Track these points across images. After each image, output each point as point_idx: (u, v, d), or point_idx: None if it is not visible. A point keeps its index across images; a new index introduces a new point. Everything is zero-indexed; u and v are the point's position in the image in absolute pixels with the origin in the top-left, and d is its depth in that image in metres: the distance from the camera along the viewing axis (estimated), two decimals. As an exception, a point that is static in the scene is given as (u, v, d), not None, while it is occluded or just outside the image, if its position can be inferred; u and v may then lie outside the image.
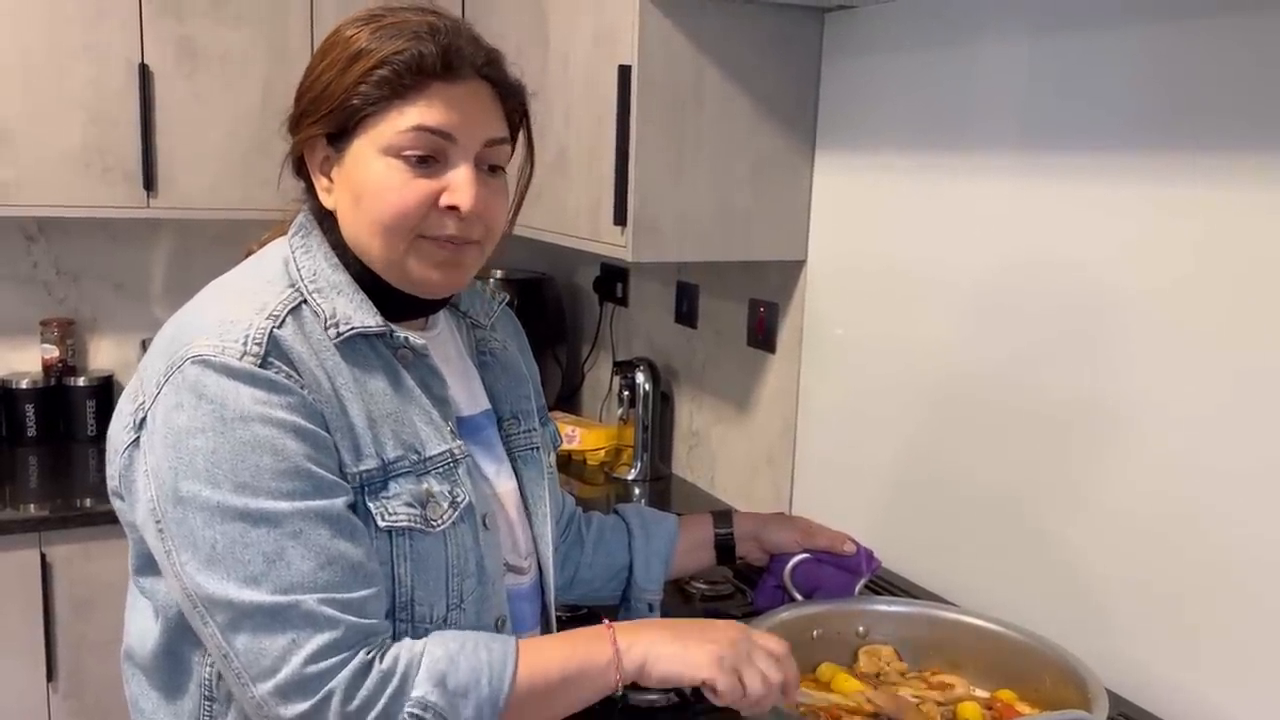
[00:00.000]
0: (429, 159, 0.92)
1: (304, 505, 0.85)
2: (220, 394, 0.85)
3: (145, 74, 2.22)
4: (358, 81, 0.92)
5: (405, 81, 0.91)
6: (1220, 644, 1.23)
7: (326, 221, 0.99)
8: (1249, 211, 1.18)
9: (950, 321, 1.59)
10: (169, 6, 2.23)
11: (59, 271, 2.55)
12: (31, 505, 2.12)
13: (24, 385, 2.45)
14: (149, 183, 2.26)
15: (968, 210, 1.54)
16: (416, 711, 0.85)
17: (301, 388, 0.88)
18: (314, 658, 0.83)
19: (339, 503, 0.88)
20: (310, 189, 1.00)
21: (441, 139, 0.92)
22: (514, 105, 0.99)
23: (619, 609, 1.32)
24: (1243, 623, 1.21)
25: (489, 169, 0.97)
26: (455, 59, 0.92)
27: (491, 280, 2.71)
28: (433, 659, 0.87)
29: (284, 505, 0.85)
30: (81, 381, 2.50)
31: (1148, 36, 1.27)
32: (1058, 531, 1.43)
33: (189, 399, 0.86)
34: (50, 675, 2.08)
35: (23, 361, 2.53)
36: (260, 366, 0.87)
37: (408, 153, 0.92)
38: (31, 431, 2.46)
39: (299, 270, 0.96)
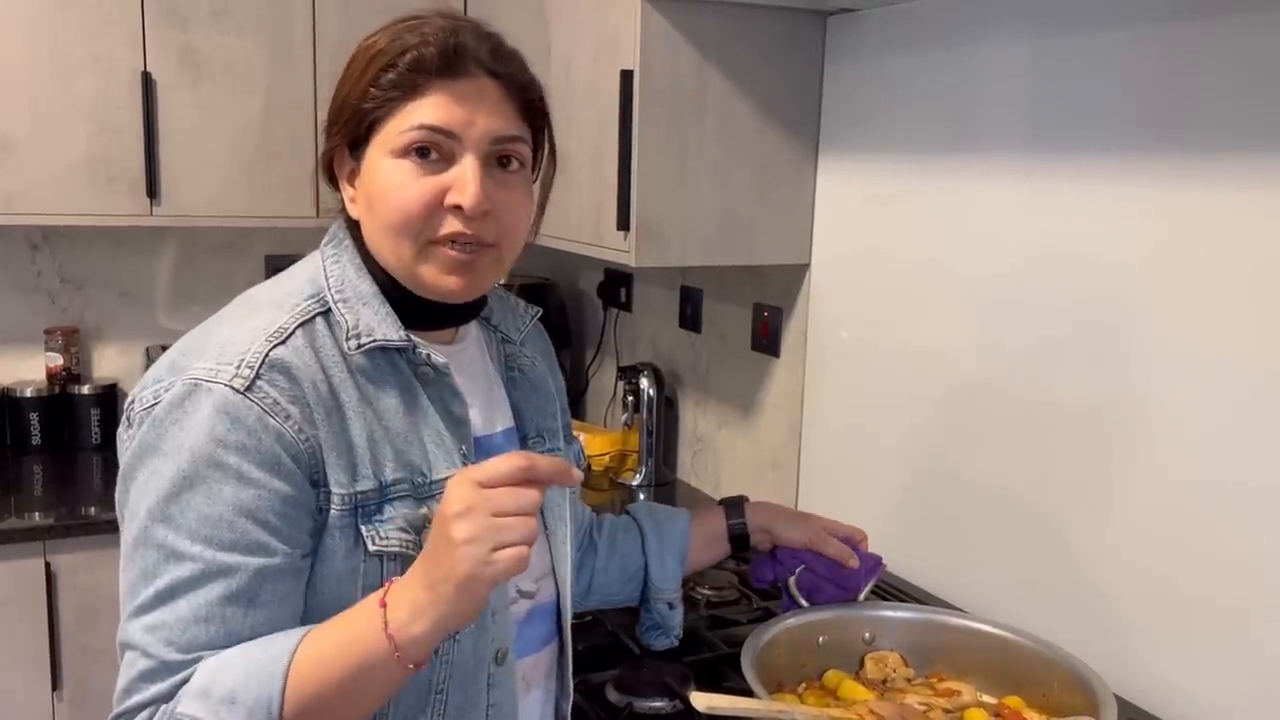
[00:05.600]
0: (434, 158, 0.91)
1: (211, 555, 0.84)
2: (188, 422, 0.85)
3: (149, 83, 2.23)
4: (368, 85, 0.92)
5: (409, 81, 0.91)
6: (1231, 650, 1.22)
7: (357, 231, 0.98)
8: (1256, 213, 1.17)
9: (955, 325, 1.58)
10: (172, 16, 2.23)
11: (63, 280, 2.56)
12: (36, 514, 2.12)
13: (29, 394, 2.45)
14: (152, 191, 2.26)
15: (972, 213, 1.54)
16: None
17: (285, 418, 0.86)
18: (141, 706, 0.83)
19: (253, 563, 0.84)
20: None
21: (444, 136, 0.91)
22: (528, 104, 0.96)
23: (639, 610, 1.32)
24: (1255, 629, 1.20)
25: (502, 166, 0.94)
26: (458, 56, 0.91)
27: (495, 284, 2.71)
28: (203, 671, 0.82)
29: (195, 549, 0.84)
30: (86, 390, 2.50)
31: (1152, 38, 1.26)
32: (1065, 536, 1.42)
33: (166, 417, 0.86)
34: (55, 684, 2.08)
35: (27, 370, 2.53)
36: (248, 389, 0.86)
37: (413, 152, 0.91)
38: (36, 440, 2.46)
39: (327, 279, 0.95)
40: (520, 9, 2.08)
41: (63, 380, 2.51)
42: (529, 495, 0.80)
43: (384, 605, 0.82)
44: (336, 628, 0.84)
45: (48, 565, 2.04)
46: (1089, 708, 1.08)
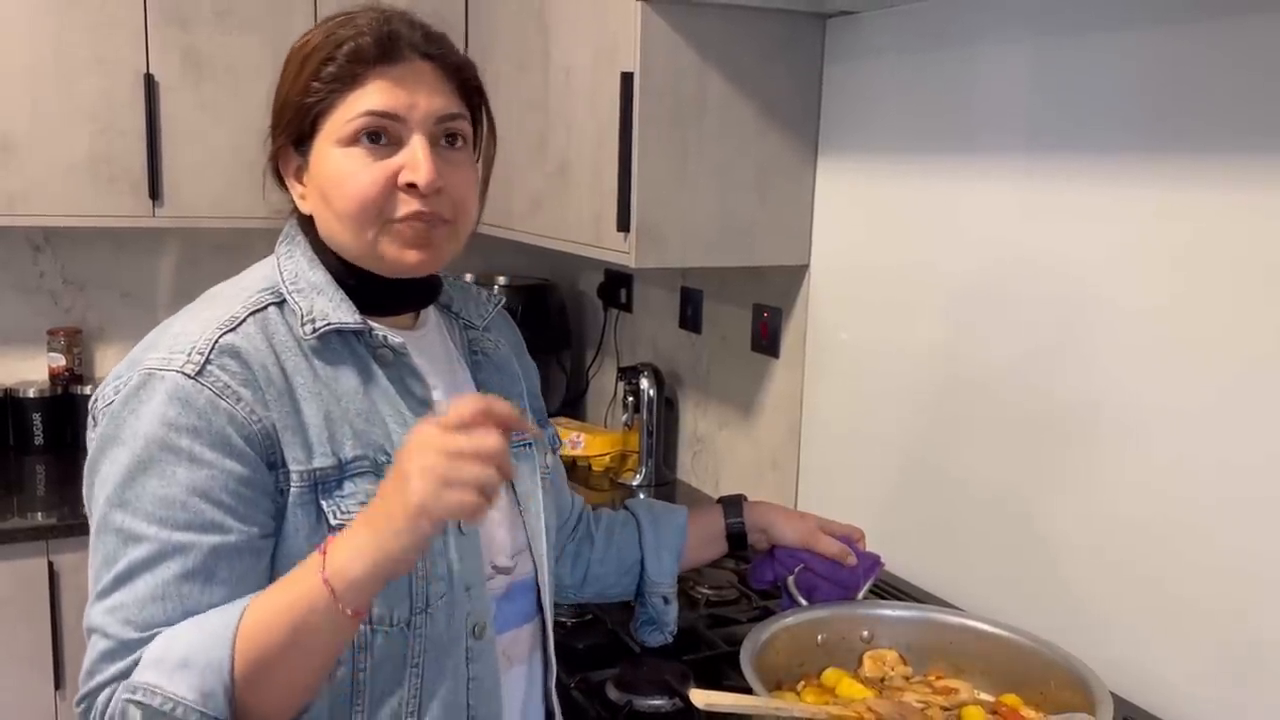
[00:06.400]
0: (382, 142, 0.94)
1: (166, 535, 0.85)
2: (143, 410, 0.88)
3: (151, 84, 2.23)
4: (308, 81, 0.95)
5: (349, 73, 0.94)
6: (1224, 647, 1.23)
7: (309, 227, 1.01)
8: (1251, 215, 1.18)
9: (954, 326, 1.59)
10: (174, 16, 2.24)
11: (65, 281, 2.57)
12: (39, 514, 2.13)
13: (31, 394, 2.46)
14: (155, 192, 2.27)
15: (970, 214, 1.54)
16: (127, 696, 0.82)
17: (237, 400, 0.88)
18: (102, 685, 0.85)
19: (207, 541, 0.86)
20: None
21: (390, 120, 0.94)
22: (464, 83, 1.00)
23: (634, 604, 1.33)
24: (1246, 626, 1.20)
25: (448, 143, 0.97)
26: (393, 43, 0.95)
27: (495, 286, 2.72)
28: (158, 641, 0.84)
29: (151, 530, 0.86)
30: (88, 390, 2.50)
31: (1149, 41, 1.27)
32: (1062, 535, 1.43)
33: (123, 408, 0.89)
34: (58, 683, 2.08)
35: (30, 370, 2.54)
36: (199, 374, 0.88)
37: (361, 139, 0.94)
38: (39, 440, 2.47)
39: (281, 274, 0.98)
40: (520, 21, 2.08)
41: (65, 381, 2.52)
42: (488, 439, 0.81)
43: (324, 553, 0.83)
44: (283, 585, 0.86)
45: (50, 565, 2.05)
46: (1086, 705, 1.09)
